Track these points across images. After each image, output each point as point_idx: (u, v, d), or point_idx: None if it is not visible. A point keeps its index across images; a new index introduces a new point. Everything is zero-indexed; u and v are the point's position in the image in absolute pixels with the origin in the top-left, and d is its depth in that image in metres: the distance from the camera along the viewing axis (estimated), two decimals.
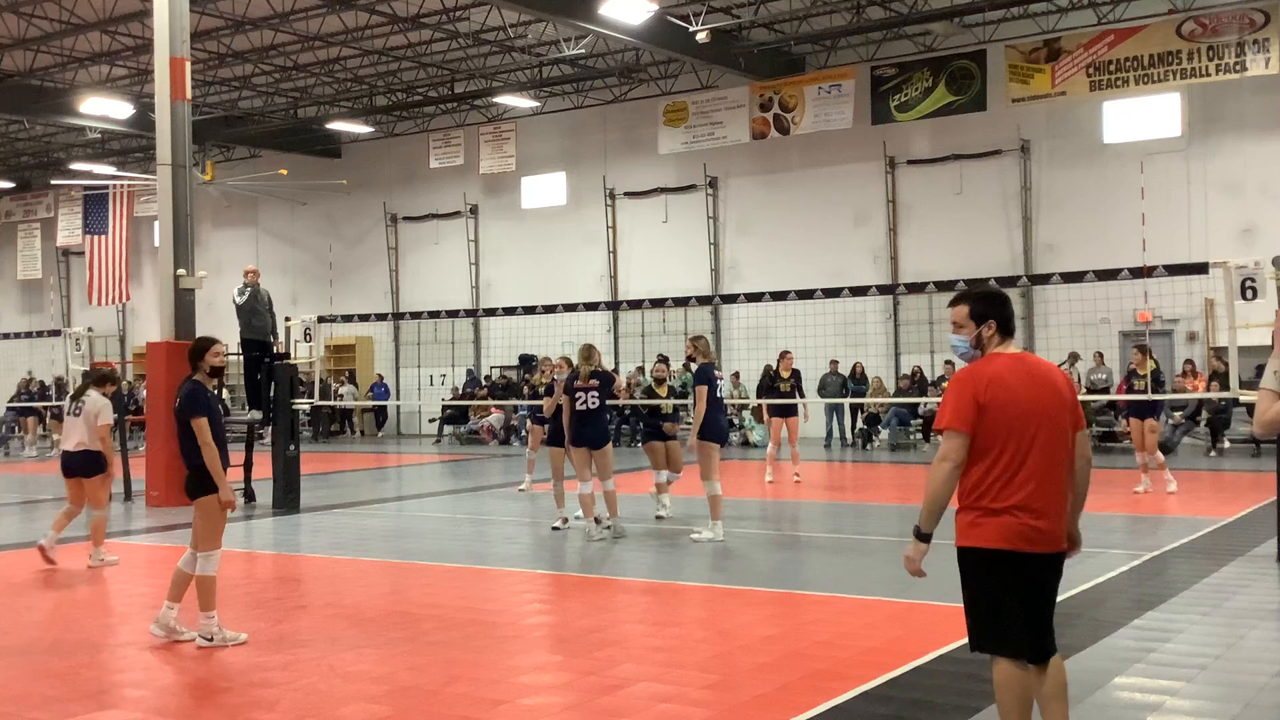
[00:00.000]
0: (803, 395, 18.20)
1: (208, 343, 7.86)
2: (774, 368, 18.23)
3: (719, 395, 11.80)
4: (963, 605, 4.71)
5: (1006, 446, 4.56)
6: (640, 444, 13.97)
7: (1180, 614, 7.92)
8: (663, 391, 13.96)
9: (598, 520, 11.89)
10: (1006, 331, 4.78)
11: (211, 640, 7.42)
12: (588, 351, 12.06)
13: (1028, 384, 4.63)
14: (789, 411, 17.42)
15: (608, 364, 27.41)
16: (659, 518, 13.20)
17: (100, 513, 10.82)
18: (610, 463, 11.96)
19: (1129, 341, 22.60)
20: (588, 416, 11.83)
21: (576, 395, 11.83)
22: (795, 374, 17.65)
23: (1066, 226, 23.70)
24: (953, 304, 4.88)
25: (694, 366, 12.17)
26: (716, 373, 11.94)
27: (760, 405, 20.02)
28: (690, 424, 12.08)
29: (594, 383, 11.81)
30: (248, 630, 7.91)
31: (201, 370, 7.75)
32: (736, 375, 25.25)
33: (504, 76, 27.90)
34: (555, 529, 12.54)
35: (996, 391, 4.59)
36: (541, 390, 15.68)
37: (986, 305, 4.79)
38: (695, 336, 12.35)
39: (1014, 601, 4.56)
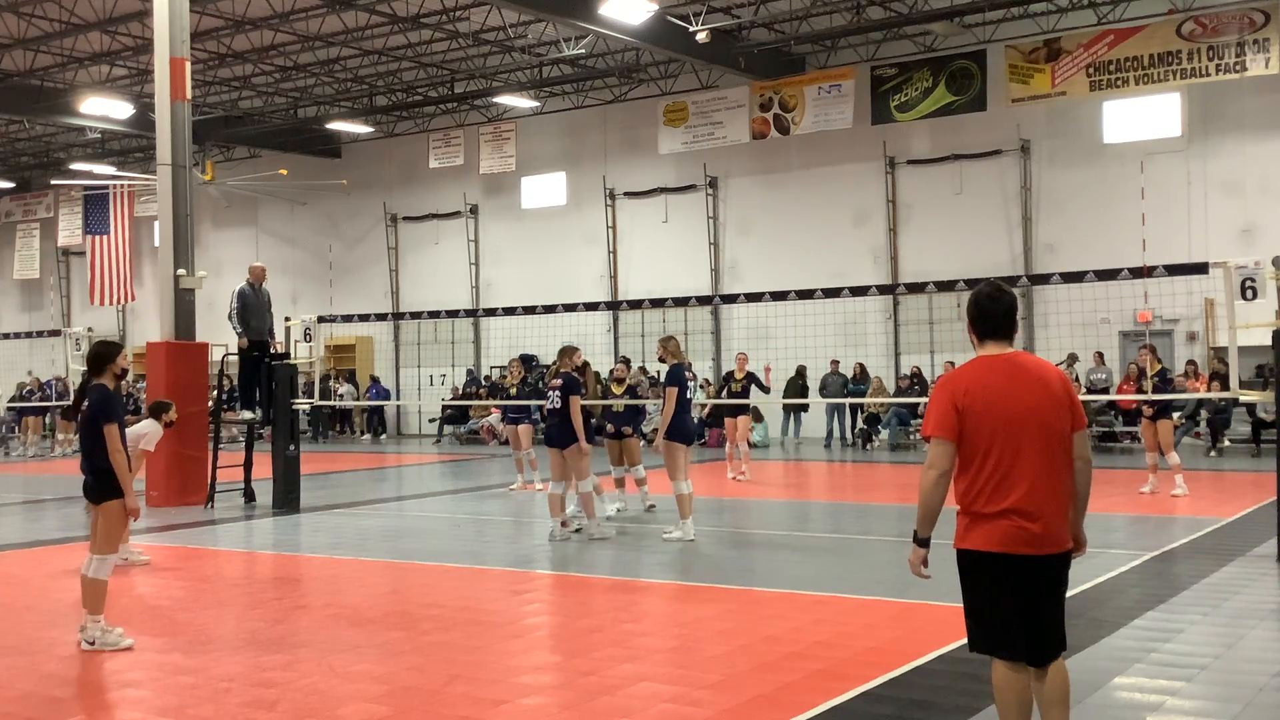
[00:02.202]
0: (765, 390, 18.69)
1: (115, 348, 7.82)
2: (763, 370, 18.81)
3: (688, 396, 11.85)
4: (962, 606, 4.71)
5: (992, 450, 4.52)
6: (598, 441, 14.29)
7: (1180, 614, 7.92)
8: (618, 390, 14.10)
9: (565, 524, 11.89)
10: (988, 333, 4.70)
11: (94, 644, 7.38)
12: (562, 352, 12.20)
13: (1014, 385, 4.57)
14: (737, 411, 17.91)
15: (607, 364, 27.42)
16: (649, 508, 13.73)
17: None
18: (576, 464, 11.68)
19: (1129, 341, 22.63)
20: (553, 416, 11.87)
21: (547, 395, 12.02)
22: (749, 375, 17.99)
23: (1066, 226, 23.70)
24: None
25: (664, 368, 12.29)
26: (687, 374, 11.99)
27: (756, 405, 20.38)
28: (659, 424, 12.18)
29: (556, 382, 11.84)
30: (248, 630, 7.92)
31: (109, 374, 7.71)
32: (731, 375, 25.21)
33: (504, 76, 27.90)
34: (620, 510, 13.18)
35: (977, 396, 4.55)
36: (514, 392, 16.19)
37: (969, 305, 4.78)
38: (665, 337, 12.43)
39: (1010, 604, 4.53)
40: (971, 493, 4.57)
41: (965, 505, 4.61)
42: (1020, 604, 4.54)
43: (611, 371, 15.51)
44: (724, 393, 18.45)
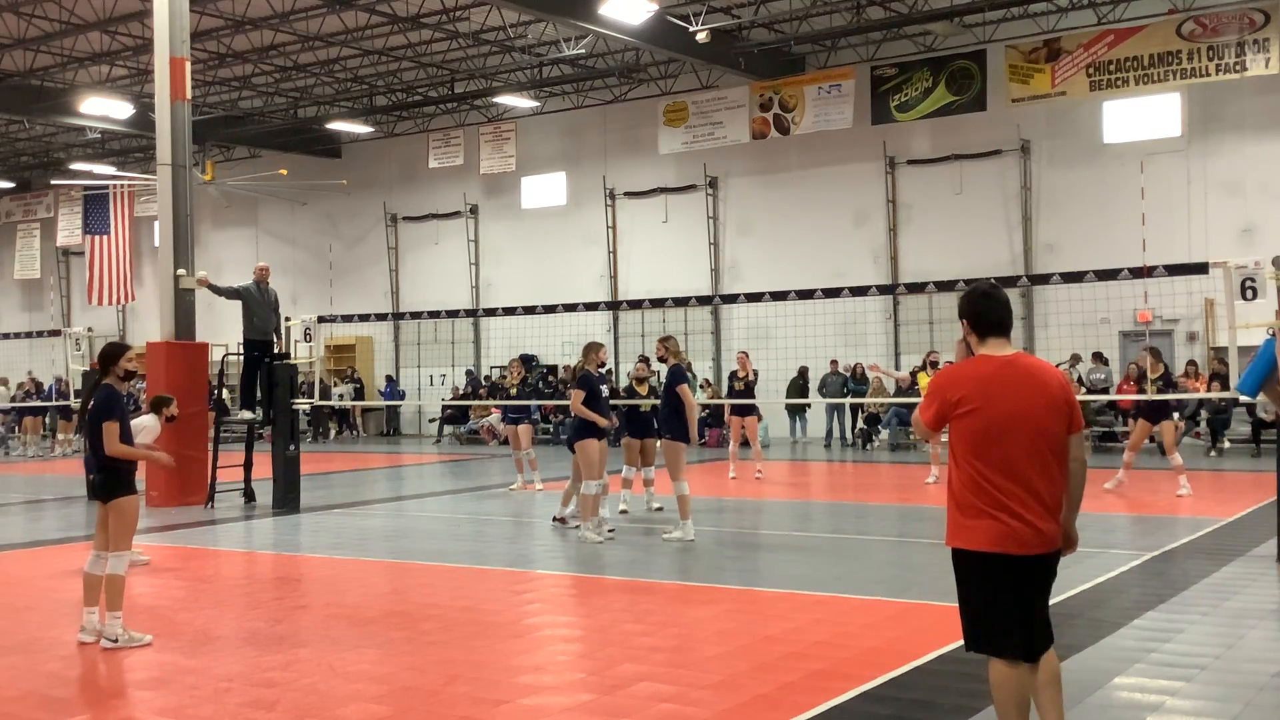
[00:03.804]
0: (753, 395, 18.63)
1: (122, 348, 7.92)
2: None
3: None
4: (958, 606, 4.72)
5: (983, 451, 4.54)
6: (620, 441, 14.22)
7: (1180, 614, 7.92)
8: (643, 390, 14.08)
9: (565, 521, 11.94)
10: (986, 329, 4.71)
11: (116, 641, 7.40)
12: (586, 349, 12.14)
13: (1011, 387, 4.58)
14: (746, 411, 17.85)
15: (609, 364, 27.44)
16: (657, 509, 13.74)
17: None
18: (587, 461, 11.75)
19: (1129, 341, 22.63)
20: (574, 417, 11.89)
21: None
22: (753, 373, 18.02)
23: (1066, 226, 23.70)
24: None
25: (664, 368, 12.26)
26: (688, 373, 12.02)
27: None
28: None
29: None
30: (248, 630, 7.92)
31: (114, 374, 7.78)
32: (734, 374, 25.22)
33: (504, 76, 27.89)
34: (623, 512, 13.37)
35: (972, 397, 4.58)
36: (514, 392, 16.18)
37: (962, 303, 4.81)
38: (664, 337, 12.41)
39: (1005, 602, 4.55)
40: (967, 490, 4.58)
41: (959, 504, 4.62)
42: (1015, 602, 4.56)
43: (635, 371, 15.19)
44: (733, 392, 18.38)
